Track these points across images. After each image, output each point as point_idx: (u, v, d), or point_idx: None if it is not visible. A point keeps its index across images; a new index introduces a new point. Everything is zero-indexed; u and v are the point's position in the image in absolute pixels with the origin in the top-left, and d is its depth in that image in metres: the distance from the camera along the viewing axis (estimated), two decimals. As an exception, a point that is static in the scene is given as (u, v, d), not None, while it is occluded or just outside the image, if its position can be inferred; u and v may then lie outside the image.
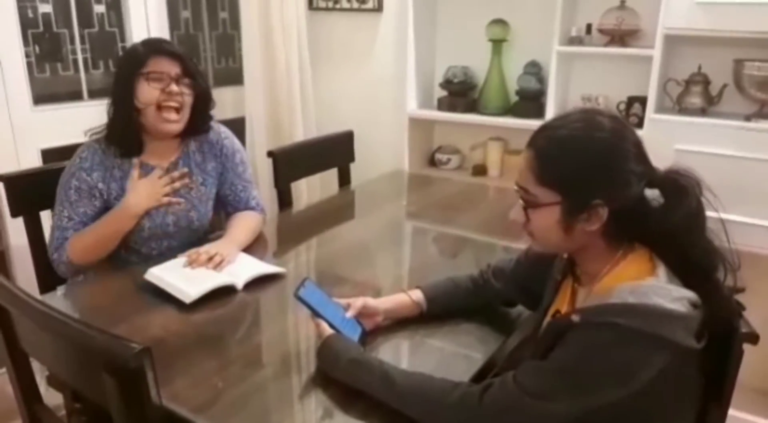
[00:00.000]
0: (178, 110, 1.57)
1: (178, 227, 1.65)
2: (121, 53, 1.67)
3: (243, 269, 1.50)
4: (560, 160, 0.96)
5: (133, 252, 1.64)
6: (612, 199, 0.93)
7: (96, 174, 1.56)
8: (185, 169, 1.60)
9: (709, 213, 0.96)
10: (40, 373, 1.26)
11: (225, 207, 1.80)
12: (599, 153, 0.94)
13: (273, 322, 1.39)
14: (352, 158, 2.52)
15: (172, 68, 1.56)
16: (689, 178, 0.95)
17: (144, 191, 1.56)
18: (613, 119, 0.97)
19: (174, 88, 1.55)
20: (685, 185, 0.94)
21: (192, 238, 1.69)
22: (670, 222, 0.93)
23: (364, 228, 1.99)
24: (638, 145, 0.97)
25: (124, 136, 1.58)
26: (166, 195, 1.59)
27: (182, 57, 1.58)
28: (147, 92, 1.54)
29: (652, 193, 0.95)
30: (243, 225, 1.72)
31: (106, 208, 1.59)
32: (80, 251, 1.54)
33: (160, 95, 1.54)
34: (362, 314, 1.24)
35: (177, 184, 1.59)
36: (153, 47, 1.57)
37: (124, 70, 1.57)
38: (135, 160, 1.61)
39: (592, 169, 0.94)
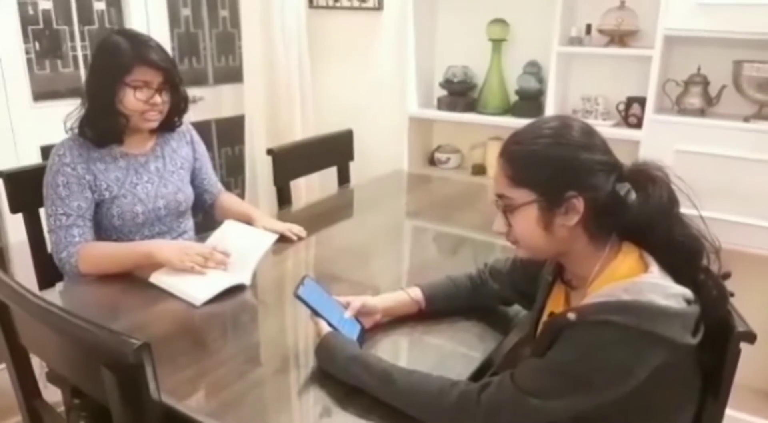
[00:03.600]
0: (159, 111, 1.63)
1: (168, 210, 1.71)
2: (101, 45, 1.60)
3: (246, 258, 1.50)
4: (530, 159, 0.99)
5: (127, 241, 1.65)
6: (585, 189, 0.95)
7: (80, 167, 1.57)
8: (230, 253, 1.52)
9: (692, 211, 0.99)
10: (39, 368, 1.26)
11: (201, 195, 1.86)
12: (567, 147, 0.97)
13: (273, 319, 1.39)
14: (351, 157, 2.52)
15: (156, 78, 1.58)
16: (656, 169, 0.97)
17: (178, 250, 1.49)
18: (581, 121, 1.02)
19: (157, 99, 1.59)
20: (653, 176, 0.97)
21: (179, 222, 1.77)
22: (644, 213, 0.96)
23: (363, 227, 1.99)
24: (604, 141, 1.01)
25: (105, 129, 1.59)
26: (192, 267, 1.46)
27: (166, 68, 1.59)
28: (132, 102, 1.56)
29: (623, 187, 0.97)
30: (244, 204, 1.92)
31: (97, 201, 1.59)
32: (92, 267, 1.51)
33: (143, 105, 1.58)
34: (361, 312, 1.24)
35: (211, 264, 1.48)
36: (139, 54, 1.55)
37: (106, 71, 1.56)
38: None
39: (562, 162, 0.97)
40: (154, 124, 1.64)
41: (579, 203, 0.96)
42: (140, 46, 1.56)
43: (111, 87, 1.55)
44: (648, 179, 0.96)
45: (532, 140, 1.00)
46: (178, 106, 1.70)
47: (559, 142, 0.98)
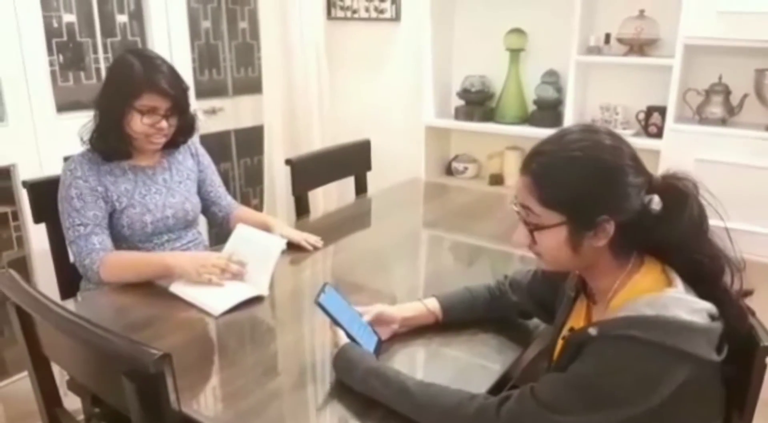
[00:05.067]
0: (165, 135, 1.66)
1: (176, 220, 1.73)
2: (115, 64, 1.67)
3: (261, 266, 1.50)
4: (562, 182, 0.95)
5: (136, 250, 1.68)
6: (617, 213, 0.93)
7: (91, 179, 1.60)
8: (246, 263, 1.52)
9: (717, 222, 0.96)
10: (60, 376, 1.27)
11: (209, 207, 1.88)
12: (601, 172, 0.94)
13: (290, 329, 1.40)
14: (368, 167, 2.53)
15: (164, 104, 1.60)
16: (686, 181, 0.95)
17: (195, 263, 1.49)
18: (610, 136, 0.98)
19: (163, 124, 1.62)
20: (684, 188, 0.94)
21: (188, 231, 1.80)
22: (673, 227, 0.93)
23: (380, 236, 1.99)
24: (635, 157, 0.97)
25: (113, 146, 1.63)
26: (209, 280, 1.47)
27: (175, 95, 1.61)
28: (138, 125, 1.60)
29: (651, 200, 0.95)
30: (261, 214, 1.98)
31: (111, 211, 1.63)
32: (112, 276, 1.54)
33: (149, 129, 1.61)
34: (378, 322, 1.24)
35: (227, 275, 1.49)
36: (150, 79, 1.57)
37: (117, 93, 1.59)
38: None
39: (595, 187, 0.94)
40: (158, 147, 1.68)
41: (610, 227, 0.94)
42: (152, 71, 1.59)
43: (119, 108, 1.58)
44: (678, 195, 0.94)
45: (562, 161, 0.96)
46: (184, 129, 1.73)
47: (590, 166, 0.94)
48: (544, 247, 1.00)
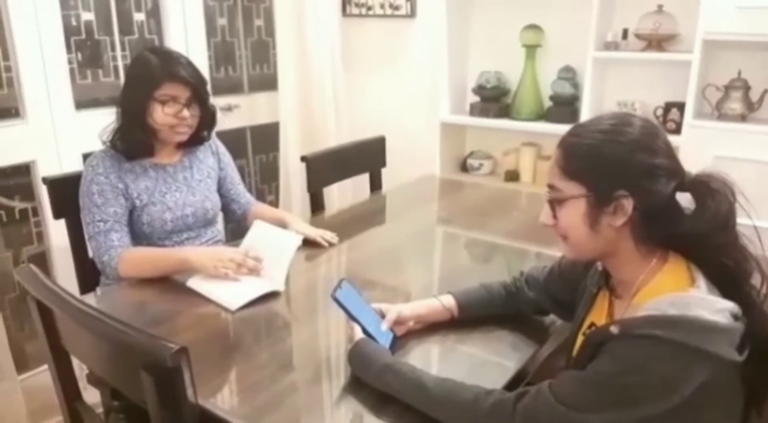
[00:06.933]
0: (188, 126, 1.68)
1: (196, 218, 1.75)
2: (133, 61, 1.68)
3: (277, 261, 1.51)
4: (584, 153, 0.97)
5: (157, 246, 1.69)
6: (637, 191, 0.93)
7: (112, 176, 1.62)
8: (262, 258, 1.53)
9: (744, 220, 0.95)
10: (79, 370, 1.29)
11: (229, 205, 1.89)
12: (625, 145, 0.94)
13: (306, 324, 1.40)
14: (383, 163, 2.53)
15: (184, 93, 1.62)
16: (721, 182, 0.93)
17: (212, 257, 1.50)
18: (646, 120, 0.99)
19: (185, 113, 1.64)
20: (717, 188, 0.92)
21: (207, 229, 1.81)
22: (701, 225, 0.92)
23: (395, 233, 1.99)
24: (668, 145, 0.97)
25: (136, 143, 1.65)
26: (226, 274, 1.48)
27: (194, 84, 1.63)
28: (161, 117, 1.62)
29: (684, 197, 0.94)
30: (278, 210, 1.99)
31: (131, 208, 1.64)
32: (131, 271, 1.55)
33: (173, 119, 1.62)
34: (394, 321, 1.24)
35: (243, 270, 1.50)
36: (168, 69, 1.59)
37: (137, 87, 1.62)
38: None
39: (615, 160, 0.94)
40: (184, 137, 1.69)
41: (628, 204, 0.93)
42: (170, 62, 1.61)
43: (141, 102, 1.60)
44: (708, 192, 0.92)
45: (589, 134, 0.98)
46: (207, 120, 1.74)
47: (615, 139, 0.95)
48: (563, 224, 1.00)
